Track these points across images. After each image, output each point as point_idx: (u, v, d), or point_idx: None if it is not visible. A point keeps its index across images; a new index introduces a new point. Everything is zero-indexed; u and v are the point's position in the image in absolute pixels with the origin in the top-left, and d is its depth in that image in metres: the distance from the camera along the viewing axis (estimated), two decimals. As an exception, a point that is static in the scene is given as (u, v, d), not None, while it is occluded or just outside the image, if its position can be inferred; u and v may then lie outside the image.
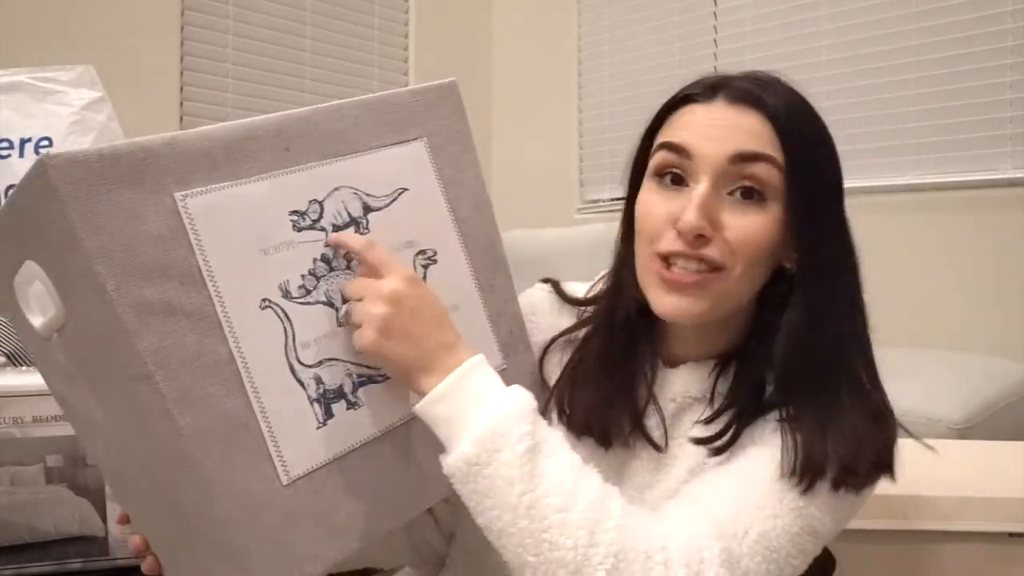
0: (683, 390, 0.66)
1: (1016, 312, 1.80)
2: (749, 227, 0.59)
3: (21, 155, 1.33)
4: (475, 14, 2.83)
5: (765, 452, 0.60)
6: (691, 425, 0.65)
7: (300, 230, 0.55)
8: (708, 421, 0.64)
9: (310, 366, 0.55)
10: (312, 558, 0.53)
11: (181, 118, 2.12)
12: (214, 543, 0.51)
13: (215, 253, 0.51)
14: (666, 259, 0.61)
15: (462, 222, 0.65)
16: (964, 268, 1.90)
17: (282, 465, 0.52)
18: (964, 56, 1.88)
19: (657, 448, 0.66)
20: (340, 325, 0.57)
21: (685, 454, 0.65)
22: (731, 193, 0.60)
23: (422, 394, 0.55)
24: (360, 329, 0.55)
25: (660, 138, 0.64)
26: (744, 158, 0.59)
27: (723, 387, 0.65)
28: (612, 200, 2.52)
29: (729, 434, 0.62)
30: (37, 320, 0.53)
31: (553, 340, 0.73)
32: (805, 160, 0.61)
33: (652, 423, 0.67)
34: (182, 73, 2.13)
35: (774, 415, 0.62)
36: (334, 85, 2.44)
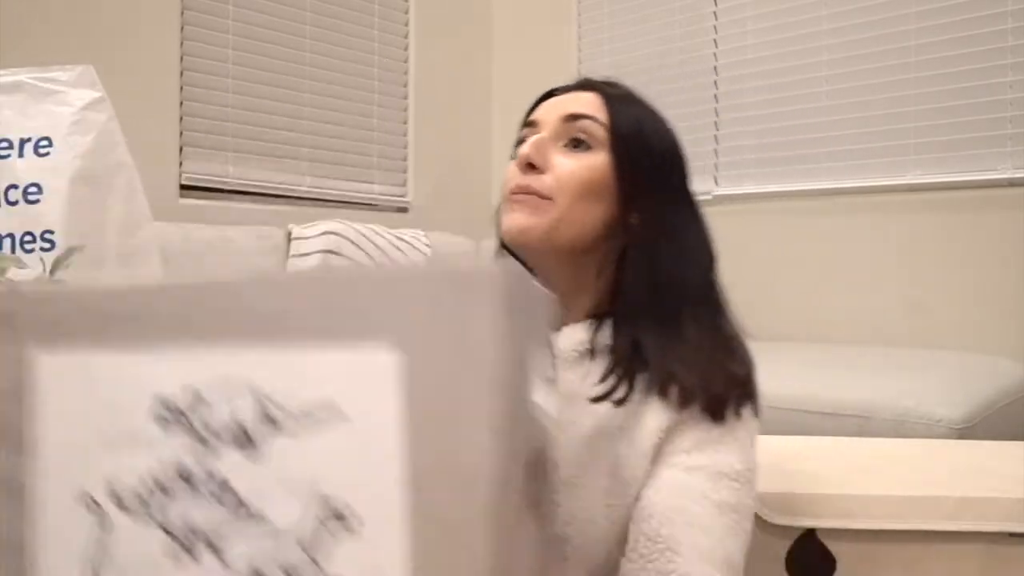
0: (564, 347, 0.73)
1: (1016, 312, 1.80)
2: (573, 165, 0.73)
3: (21, 155, 1.33)
4: (475, 14, 2.83)
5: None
6: (578, 382, 0.71)
7: (162, 424, 0.42)
8: (602, 380, 0.71)
9: None
10: None
11: (181, 118, 2.12)
12: None
13: (47, 423, 0.44)
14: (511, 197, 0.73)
15: (424, 491, 0.39)
16: (964, 268, 1.90)
17: None
18: (964, 56, 1.88)
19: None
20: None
21: (584, 416, 0.70)
22: (565, 145, 0.74)
23: None
24: None
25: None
26: (574, 117, 0.74)
27: (603, 343, 0.73)
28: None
29: (623, 385, 0.69)
30: None
31: None
32: (629, 124, 0.75)
33: None
34: (182, 73, 2.13)
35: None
36: (334, 85, 2.44)
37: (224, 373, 0.41)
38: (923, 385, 1.45)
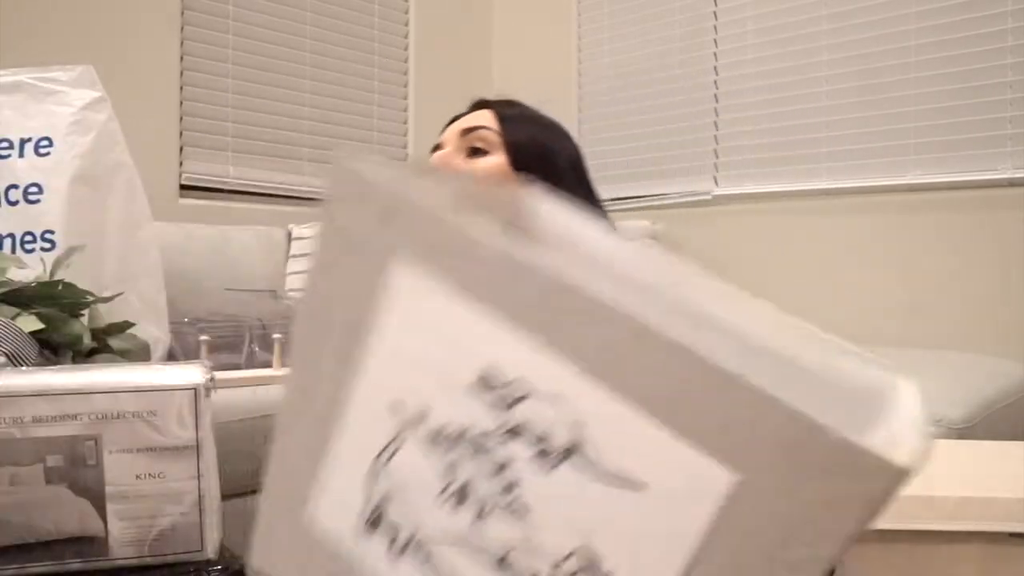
0: None
1: (1016, 312, 1.80)
2: (476, 168, 0.84)
3: (21, 155, 1.33)
4: (475, 14, 2.83)
5: None
6: None
7: (480, 389, 0.42)
8: None
9: (383, 484, 0.46)
10: None
11: (181, 118, 2.12)
12: None
13: (382, 335, 0.44)
14: None
15: None
16: (964, 268, 1.90)
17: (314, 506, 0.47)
18: (964, 56, 1.88)
19: None
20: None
21: None
22: (467, 155, 0.86)
23: None
24: None
25: None
26: (469, 130, 0.87)
27: None
28: (612, 200, 2.52)
29: None
30: None
31: None
32: (519, 127, 0.86)
33: None
34: (182, 73, 2.13)
35: None
36: (334, 85, 2.44)
37: (563, 388, 0.38)
38: (923, 385, 1.45)
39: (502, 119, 0.87)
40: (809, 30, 2.12)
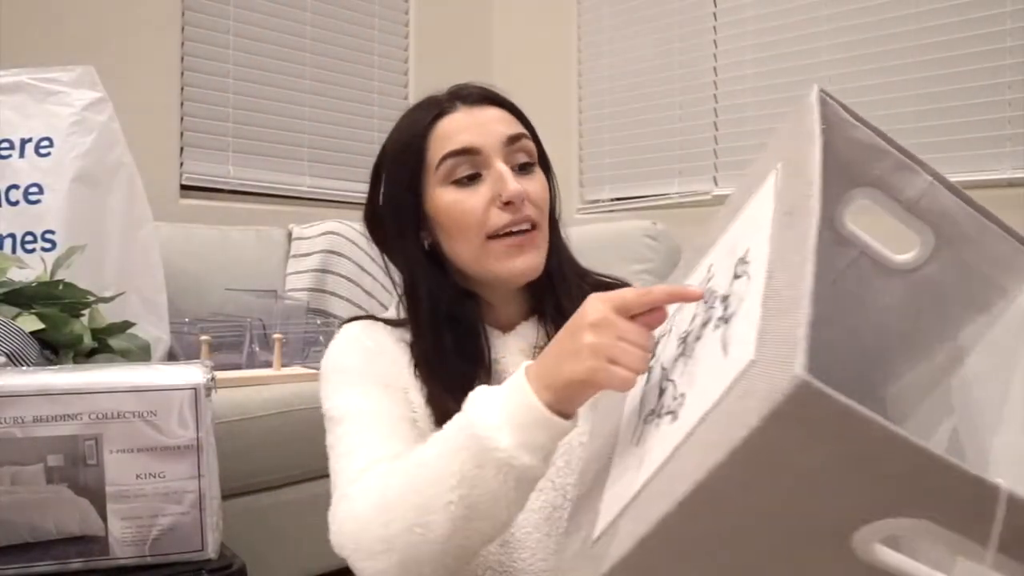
0: (523, 344, 0.81)
1: (1016, 312, 1.80)
2: (538, 187, 0.77)
3: (21, 155, 1.33)
4: (475, 14, 2.83)
5: None
6: None
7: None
8: None
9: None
10: None
11: (181, 118, 2.13)
12: None
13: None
14: (497, 236, 0.75)
15: None
16: (964, 268, 1.89)
17: None
18: (964, 56, 1.88)
19: None
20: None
21: None
22: (514, 168, 0.76)
23: None
24: None
25: (438, 153, 0.77)
26: (515, 139, 0.77)
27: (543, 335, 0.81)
28: (612, 200, 2.52)
29: None
30: None
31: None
32: (534, 133, 0.82)
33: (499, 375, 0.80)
34: (182, 73, 2.13)
35: None
36: (334, 85, 2.44)
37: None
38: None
39: (526, 124, 0.82)
40: (809, 30, 2.12)
